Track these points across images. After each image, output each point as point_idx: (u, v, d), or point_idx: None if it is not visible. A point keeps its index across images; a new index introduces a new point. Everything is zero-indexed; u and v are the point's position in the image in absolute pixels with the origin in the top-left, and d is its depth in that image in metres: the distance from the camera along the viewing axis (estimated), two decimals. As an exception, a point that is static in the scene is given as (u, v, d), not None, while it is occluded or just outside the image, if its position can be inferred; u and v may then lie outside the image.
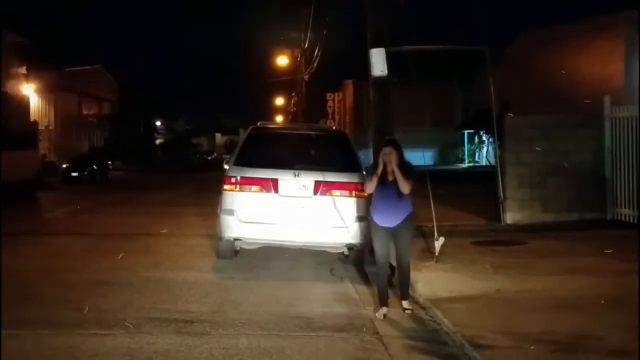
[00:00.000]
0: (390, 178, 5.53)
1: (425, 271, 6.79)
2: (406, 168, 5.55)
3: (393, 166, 5.44)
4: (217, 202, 7.65)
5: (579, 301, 5.57)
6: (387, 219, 5.55)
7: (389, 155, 5.48)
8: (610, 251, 7.57)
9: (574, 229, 9.48)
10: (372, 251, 6.16)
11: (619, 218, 10.13)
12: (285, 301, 6.04)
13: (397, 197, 5.48)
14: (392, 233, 5.59)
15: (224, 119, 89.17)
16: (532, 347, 4.38)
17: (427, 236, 8.36)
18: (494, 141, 12.21)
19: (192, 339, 4.78)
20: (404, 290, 5.77)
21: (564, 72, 21.92)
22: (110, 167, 31.87)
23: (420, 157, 11.38)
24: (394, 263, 5.98)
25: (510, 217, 10.30)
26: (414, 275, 6.55)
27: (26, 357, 4.39)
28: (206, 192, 15.57)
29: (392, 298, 5.73)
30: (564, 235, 9.02)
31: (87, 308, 5.57)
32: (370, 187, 5.66)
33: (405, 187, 5.46)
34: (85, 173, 27.40)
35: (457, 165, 35.97)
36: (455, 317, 5.14)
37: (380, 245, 5.67)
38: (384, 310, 5.54)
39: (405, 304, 5.70)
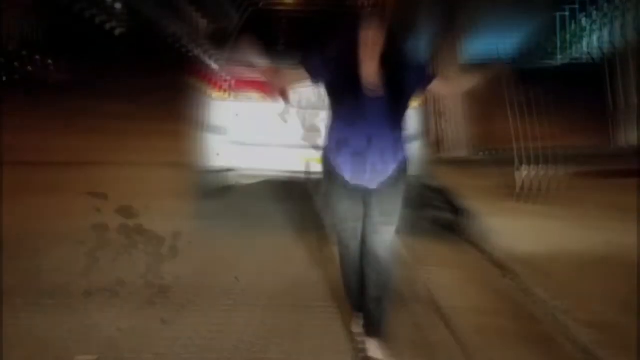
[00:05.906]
0: (369, 82, 3.91)
1: (504, 215, 6.75)
2: (419, 69, 4.09)
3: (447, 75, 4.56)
4: (195, 116, 7.53)
5: None
6: (362, 170, 3.98)
7: (374, 44, 3.91)
8: None
9: None
10: None
11: None
12: (297, 260, 6.06)
13: (391, 126, 3.95)
14: (369, 197, 4.05)
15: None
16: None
17: (505, 164, 8.22)
18: (607, 21, 11.84)
19: (168, 312, 4.79)
20: (376, 321, 4.17)
21: None
22: (52, 68, 31.88)
23: (494, 50, 11.14)
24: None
25: (628, 135, 10.08)
26: (486, 222, 6.47)
27: None
28: (184, 101, 15.46)
29: (455, 254, 5.62)
30: None
31: (21, 270, 5.57)
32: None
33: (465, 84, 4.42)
34: (17, 77, 27.58)
35: (546, 61, 35.35)
36: (548, 282, 5.12)
37: (346, 219, 4.13)
38: (359, 319, 4.33)
39: (372, 348, 4.15)
